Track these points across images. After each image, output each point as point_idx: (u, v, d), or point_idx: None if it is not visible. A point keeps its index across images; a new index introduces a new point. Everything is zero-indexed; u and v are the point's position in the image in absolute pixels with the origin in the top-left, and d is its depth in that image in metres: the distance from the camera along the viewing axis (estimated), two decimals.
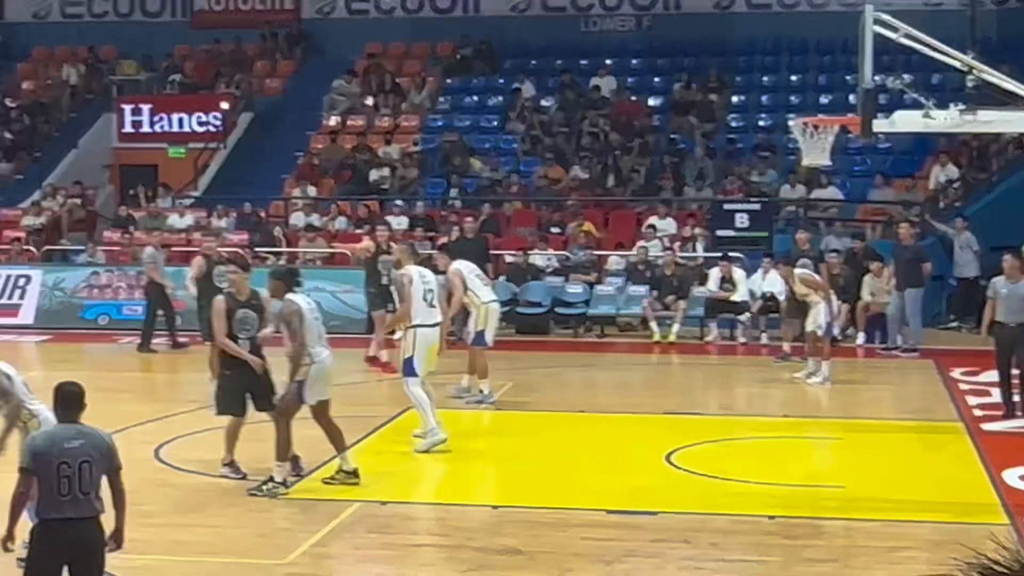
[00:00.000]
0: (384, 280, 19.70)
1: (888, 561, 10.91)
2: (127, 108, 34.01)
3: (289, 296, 12.97)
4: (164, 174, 32.54)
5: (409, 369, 14.67)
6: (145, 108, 33.85)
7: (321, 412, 13.07)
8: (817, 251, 22.60)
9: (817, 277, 19.82)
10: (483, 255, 21.93)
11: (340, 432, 13.09)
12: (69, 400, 8.41)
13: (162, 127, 33.66)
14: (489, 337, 17.47)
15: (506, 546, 11.23)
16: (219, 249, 20.57)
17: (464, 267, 17.51)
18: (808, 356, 19.84)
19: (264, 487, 12.67)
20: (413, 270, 15.17)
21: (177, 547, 10.92)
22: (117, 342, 23.87)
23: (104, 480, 8.24)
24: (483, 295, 17.45)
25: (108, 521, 8.20)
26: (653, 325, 23.78)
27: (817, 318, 19.28)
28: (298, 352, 12.78)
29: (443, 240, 25.84)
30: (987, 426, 16.11)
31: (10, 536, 8.39)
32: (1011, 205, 25.51)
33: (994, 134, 24.87)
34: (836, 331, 21.01)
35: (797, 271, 19.83)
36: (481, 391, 17.56)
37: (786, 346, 21.34)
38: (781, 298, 21.86)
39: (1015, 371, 16.37)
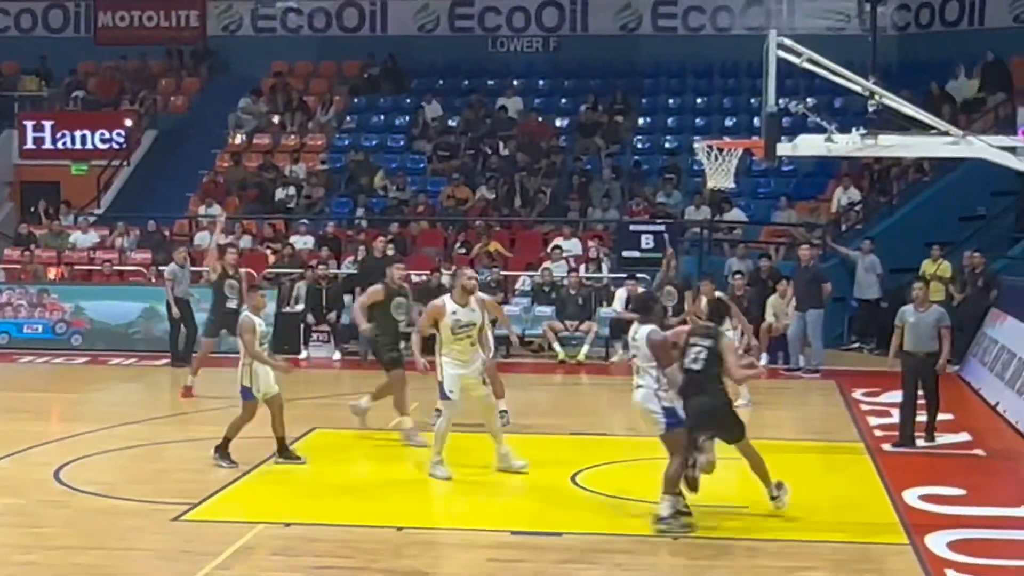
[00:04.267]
0: (231, 304, 19.17)
1: None
2: (29, 124, 33.70)
3: None
4: (67, 191, 32.26)
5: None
6: (47, 124, 33.56)
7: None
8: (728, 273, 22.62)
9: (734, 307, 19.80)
10: None
11: None
12: None
13: (64, 144, 33.38)
14: None
15: (411, 567, 11.17)
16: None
17: None
18: None
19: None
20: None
21: (75, 570, 10.74)
22: (16, 361, 23.55)
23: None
24: None
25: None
26: (556, 346, 23.88)
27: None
28: None
29: (351, 258, 25.79)
30: (888, 446, 16.28)
31: None
32: (911, 228, 25.93)
33: (895, 158, 25.27)
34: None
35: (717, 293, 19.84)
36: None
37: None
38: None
39: (921, 401, 16.48)
